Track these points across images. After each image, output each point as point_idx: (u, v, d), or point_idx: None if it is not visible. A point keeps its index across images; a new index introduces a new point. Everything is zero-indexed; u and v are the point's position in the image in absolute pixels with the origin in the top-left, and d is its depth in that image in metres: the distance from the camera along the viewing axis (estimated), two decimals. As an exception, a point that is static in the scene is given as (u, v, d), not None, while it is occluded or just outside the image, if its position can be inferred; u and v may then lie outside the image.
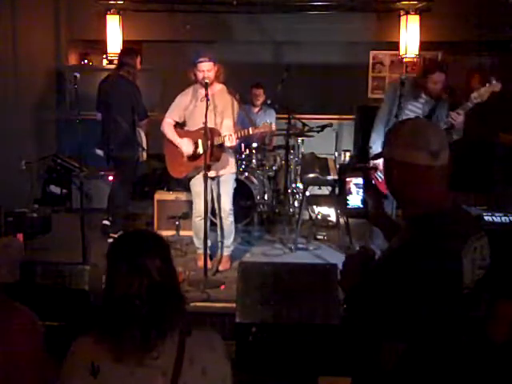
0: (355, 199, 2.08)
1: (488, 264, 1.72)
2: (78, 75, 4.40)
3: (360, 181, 2.08)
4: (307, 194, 5.51)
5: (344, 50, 8.27)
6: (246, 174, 5.81)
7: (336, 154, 6.93)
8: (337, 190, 5.54)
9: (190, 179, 4.63)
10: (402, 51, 7.52)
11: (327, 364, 3.21)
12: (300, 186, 5.95)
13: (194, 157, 4.44)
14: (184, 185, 5.42)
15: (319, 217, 6.05)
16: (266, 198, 5.96)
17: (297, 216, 5.46)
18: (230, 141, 4.28)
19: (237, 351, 3.34)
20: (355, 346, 1.88)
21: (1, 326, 1.98)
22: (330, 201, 5.94)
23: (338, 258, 4.50)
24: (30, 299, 2.25)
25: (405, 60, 7.69)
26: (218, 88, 4.46)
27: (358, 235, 5.35)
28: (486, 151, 5.86)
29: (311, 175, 5.32)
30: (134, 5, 7.42)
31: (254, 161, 6.01)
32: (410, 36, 7.38)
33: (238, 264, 3.81)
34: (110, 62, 7.31)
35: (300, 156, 6.15)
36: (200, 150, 4.36)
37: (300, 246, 5.33)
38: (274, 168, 6.19)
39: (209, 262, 4.46)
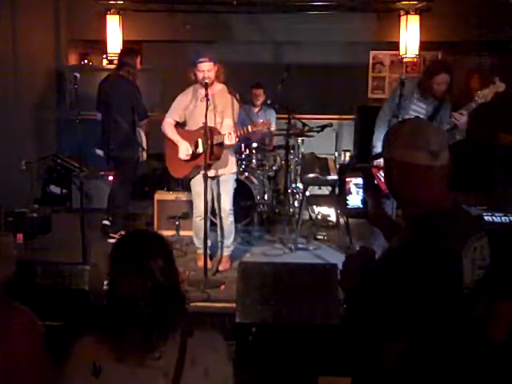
0: (355, 199, 2.08)
1: (488, 264, 1.72)
2: (77, 75, 4.40)
3: (360, 181, 2.08)
4: (307, 194, 5.51)
5: (344, 50, 8.28)
6: (246, 173, 5.81)
7: (336, 153, 6.93)
8: (337, 190, 5.54)
9: (190, 179, 4.63)
10: (402, 51, 7.53)
11: (327, 364, 3.21)
12: (300, 186, 5.95)
13: (194, 156, 4.45)
14: (184, 185, 5.43)
15: (319, 217, 6.05)
16: (266, 197, 5.96)
17: (297, 216, 5.46)
18: (230, 139, 4.28)
19: (237, 351, 3.34)
20: (355, 346, 1.88)
21: (1, 326, 1.98)
22: (330, 201, 5.95)
23: (338, 258, 4.50)
24: (30, 299, 2.25)
25: (405, 60, 7.69)
26: (218, 88, 4.46)
27: (358, 235, 5.35)
28: (486, 151, 5.85)
29: (311, 175, 5.32)
30: (134, 5, 7.43)
31: (253, 161, 6.01)
32: (409, 36, 7.38)
33: (238, 264, 3.81)
34: (110, 62, 7.31)
35: (300, 156, 6.15)
36: (200, 149, 4.36)
37: (300, 245, 5.33)
38: (274, 168, 6.19)
39: (209, 262, 4.46)
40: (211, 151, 4.25)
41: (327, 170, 5.46)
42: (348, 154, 7.17)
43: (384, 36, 7.69)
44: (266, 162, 6.15)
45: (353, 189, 2.08)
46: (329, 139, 6.83)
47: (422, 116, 4.27)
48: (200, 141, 4.35)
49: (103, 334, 1.63)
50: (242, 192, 5.42)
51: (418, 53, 7.44)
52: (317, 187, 6.14)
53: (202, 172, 4.29)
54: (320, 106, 7.80)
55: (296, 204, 5.95)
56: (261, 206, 5.92)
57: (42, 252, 4.83)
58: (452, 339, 1.69)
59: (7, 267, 2.12)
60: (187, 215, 5.36)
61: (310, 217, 6.04)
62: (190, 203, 4.89)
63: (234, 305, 3.53)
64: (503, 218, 4.24)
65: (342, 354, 3.12)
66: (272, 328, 3.39)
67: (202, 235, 4.37)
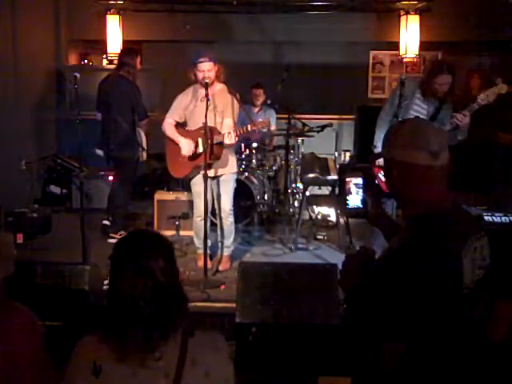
0: (355, 199, 2.08)
1: (488, 264, 1.72)
2: (77, 75, 4.40)
3: (360, 181, 2.08)
4: (307, 194, 5.51)
5: (344, 50, 8.28)
6: (246, 173, 5.81)
7: (336, 153, 6.93)
8: (337, 190, 5.54)
9: (190, 179, 4.63)
10: (402, 51, 7.52)
11: (327, 364, 3.21)
12: (300, 186, 5.95)
13: (195, 156, 4.45)
14: (184, 185, 5.43)
15: (319, 217, 6.05)
16: (266, 197, 5.96)
17: (297, 216, 5.46)
18: (229, 138, 4.28)
19: (237, 351, 3.34)
20: (355, 346, 1.88)
21: (1, 326, 1.98)
22: (330, 201, 5.94)
23: (337, 258, 4.50)
24: (30, 299, 2.25)
25: (405, 60, 7.69)
26: (219, 88, 4.46)
27: (358, 235, 5.35)
28: (486, 151, 5.86)
29: (311, 175, 5.32)
30: (134, 5, 7.43)
31: (253, 161, 6.01)
32: (410, 36, 7.38)
33: (238, 264, 3.81)
34: (110, 62, 7.31)
35: (300, 156, 6.15)
36: (200, 148, 4.36)
37: (300, 245, 5.33)
38: (274, 168, 6.19)
39: (209, 262, 4.46)
40: (211, 151, 4.25)
41: (327, 170, 5.46)
42: (348, 154, 7.17)
43: (384, 36, 7.69)
44: (266, 161, 6.15)
45: (353, 189, 2.08)
46: (329, 139, 6.82)
47: (423, 116, 4.26)
48: (200, 140, 4.35)
49: (104, 334, 1.63)
50: (242, 192, 5.42)
51: (418, 53, 7.43)
52: (317, 187, 6.14)
53: (202, 172, 4.29)
54: (320, 106, 7.80)
55: (296, 204, 5.95)
56: (261, 206, 5.92)
57: (42, 252, 4.83)
58: (452, 339, 1.69)
59: (7, 267, 2.12)
60: (187, 215, 5.36)
61: (310, 217, 6.04)
62: (190, 203, 4.89)
63: (233, 305, 3.53)
64: (503, 218, 4.25)
65: (342, 354, 3.12)
66: (272, 328, 3.39)
67: (202, 235, 4.37)
